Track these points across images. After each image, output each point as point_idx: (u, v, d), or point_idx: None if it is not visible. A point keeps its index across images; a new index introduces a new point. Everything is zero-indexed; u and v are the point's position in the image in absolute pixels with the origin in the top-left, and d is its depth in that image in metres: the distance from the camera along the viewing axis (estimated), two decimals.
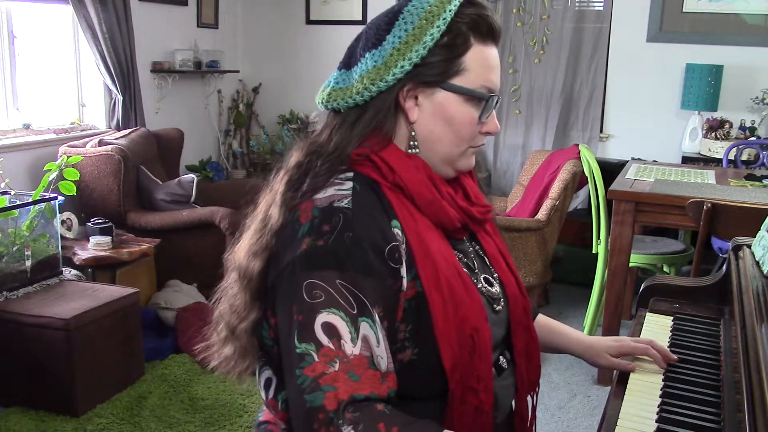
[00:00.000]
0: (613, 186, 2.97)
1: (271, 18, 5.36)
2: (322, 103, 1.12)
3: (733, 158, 3.95)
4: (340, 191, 1.03)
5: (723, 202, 2.61)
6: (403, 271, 1.01)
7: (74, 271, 3.12)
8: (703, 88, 4.25)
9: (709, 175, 3.33)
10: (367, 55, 1.08)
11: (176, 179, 3.87)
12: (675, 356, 1.31)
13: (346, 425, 0.88)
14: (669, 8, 4.43)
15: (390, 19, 1.09)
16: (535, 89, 4.81)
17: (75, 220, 3.48)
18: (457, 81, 1.08)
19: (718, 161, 4.05)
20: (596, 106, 4.69)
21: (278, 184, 1.09)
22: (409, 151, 1.10)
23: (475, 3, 1.10)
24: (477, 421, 1.05)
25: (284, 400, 1.08)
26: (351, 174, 1.06)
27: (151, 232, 3.57)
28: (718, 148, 4.15)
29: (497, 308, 1.14)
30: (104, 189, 3.62)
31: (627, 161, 3.95)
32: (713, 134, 4.22)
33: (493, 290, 1.15)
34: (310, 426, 0.90)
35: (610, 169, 3.77)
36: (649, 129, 4.58)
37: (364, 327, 0.95)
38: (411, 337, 1.02)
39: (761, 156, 3.95)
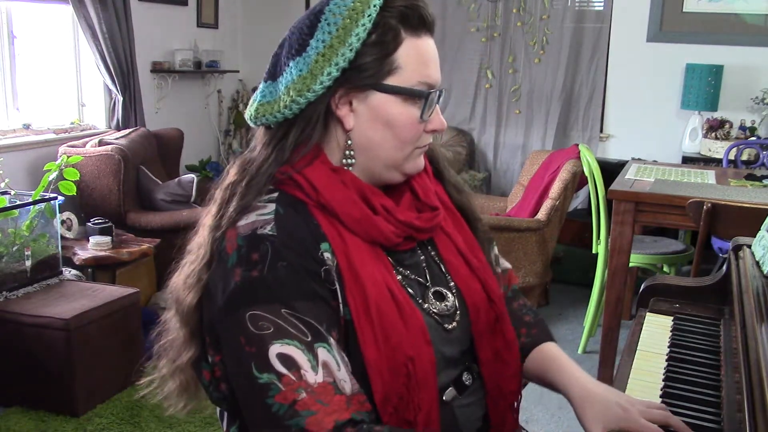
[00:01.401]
0: (613, 186, 2.97)
1: (271, 18, 5.36)
2: (251, 119, 1.05)
3: (733, 158, 3.95)
4: (261, 216, 0.96)
5: (723, 202, 2.61)
6: (339, 293, 0.96)
7: (74, 271, 3.12)
8: (703, 88, 4.25)
9: (709, 175, 3.33)
10: (291, 64, 1.00)
11: (176, 179, 3.87)
12: None
13: None
14: (669, 8, 4.43)
15: (312, 21, 1.00)
16: (535, 89, 4.81)
17: (75, 220, 3.48)
18: (391, 80, 0.99)
19: (718, 161, 4.05)
20: (596, 106, 4.69)
21: (212, 204, 1.03)
22: (344, 161, 1.02)
23: None
24: None
25: None
26: (275, 195, 0.99)
27: (151, 232, 3.57)
28: (718, 148, 4.15)
29: (449, 326, 1.05)
30: (104, 189, 3.62)
31: (627, 161, 3.95)
32: (713, 134, 4.22)
33: (445, 305, 1.06)
34: None
35: (610, 169, 3.77)
36: (649, 129, 4.58)
37: (322, 353, 0.90)
38: None
39: (761, 156, 3.94)
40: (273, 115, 1.02)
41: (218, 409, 1.07)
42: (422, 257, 1.09)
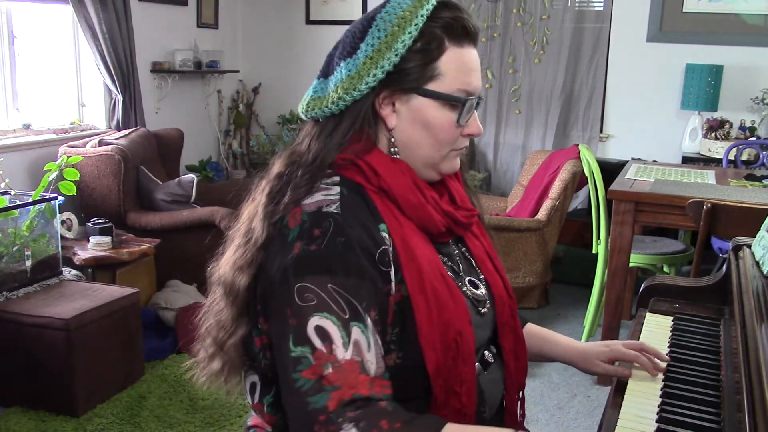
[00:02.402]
0: (613, 186, 2.97)
1: (271, 18, 5.37)
2: (303, 112, 1.13)
3: (733, 158, 3.95)
4: (327, 196, 1.03)
5: (723, 202, 2.61)
6: (392, 274, 1.01)
7: (74, 271, 3.12)
8: (703, 88, 4.25)
9: (709, 175, 3.33)
10: (342, 64, 1.08)
11: (176, 179, 3.87)
12: (667, 357, 1.30)
13: (346, 422, 0.88)
14: (669, 8, 4.43)
15: (364, 26, 1.08)
16: (535, 89, 4.81)
17: (75, 220, 3.48)
18: (432, 86, 1.07)
19: (718, 161, 4.05)
20: (596, 106, 4.69)
21: (260, 194, 1.08)
22: (392, 155, 1.10)
23: (449, 5, 1.09)
24: (459, 423, 1.04)
25: (270, 404, 1.08)
26: (337, 178, 1.06)
27: (151, 232, 3.57)
28: (718, 148, 4.15)
29: (482, 311, 1.14)
30: (104, 189, 3.62)
31: (627, 161, 3.95)
32: (713, 134, 4.22)
33: (479, 293, 1.15)
34: (311, 428, 0.90)
35: (610, 169, 3.77)
36: (649, 129, 4.58)
37: (356, 332, 0.95)
38: (397, 340, 1.02)
39: (761, 156, 3.95)
40: (321, 109, 1.09)
41: (249, 381, 1.11)
42: (456, 251, 1.17)
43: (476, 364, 1.11)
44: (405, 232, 1.05)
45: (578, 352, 1.33)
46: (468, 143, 1.16)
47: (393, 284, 1.01)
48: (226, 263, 1.07)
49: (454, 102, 1.08)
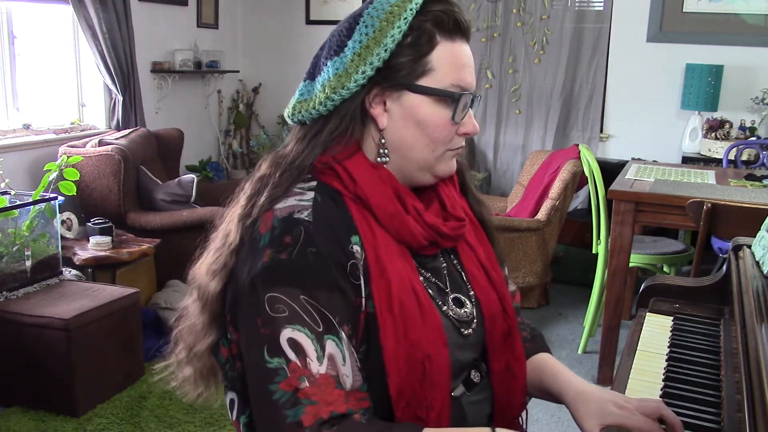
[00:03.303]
0: (613, 186, 2.97)
1: (271, 18, 5.36)
2: (289, 116, 1.09)
3: (733, 158, 3.95)
4: (300, 202, 0.99)
5: (723, 202, 2.61)
6: (362, 288, 0.97)
7: (74, 271, 3.12)
8: (703, 88, 4.25)
9: (709, 175, 3.33)
10: (328, 64, 1.04)
11: (176, 179, 3.87)
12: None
13: None
14: (669, 8, 4.43)
15: (350, 24, 1.04)
16: (535, 89, 4.81)
17: (75, 220, 3.48)
18: (424, 81, 1.02)
19: (718, 161, 4.05)
20: (596, 106, 4.68)
21: (241, 196, 1.05)
22: (378, 160, 1.05)
23: None
24: None
25: (245, 423, 1.04)
26: (314, 183, 1.02)
27: (151, 232, 3.57)
28: (718, 148, 4.15)
29: (465, 332, 1.06)
30: (104, 189, 3.62)
31: (627, 161, 3.95)
32: (713, 134, 4.22)
33: (462, 311, 1.07)
34: None
35: (610, 169, 3.77)
36: (649, 129, 4.58)
37: (330, 345, 0.92)
38: (362, 359, 0.97)
39: (761, 156, 3.95)
40: (308, 111, 1.06)
41: (228, 398, 1.07)
42: (444, 264, 1.11)
43: (459, 385, 1.06)
44: (378, 244, 0.99)
45: (581, 395, 1.09)
46: (464, 143, 1.11)
47: (363, 299, 0.97)
48: (203, 266, 1.04)
49: (448, 97, 1.03)
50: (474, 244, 1.15)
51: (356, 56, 1.01)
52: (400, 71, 1.02)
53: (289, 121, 1.10)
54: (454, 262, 1.12)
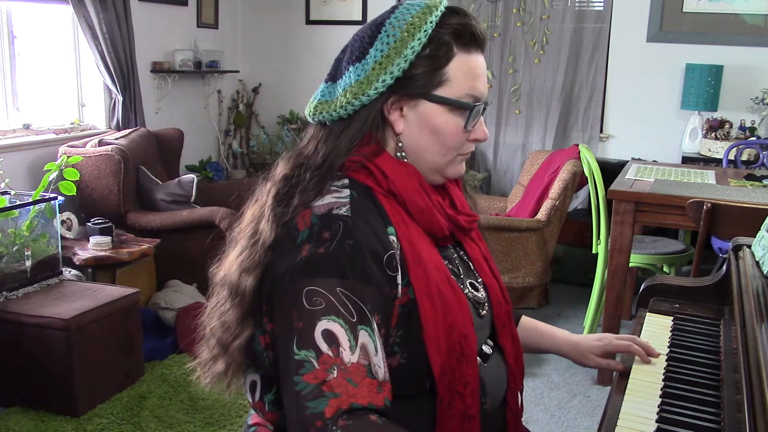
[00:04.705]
0: (613, 186, 2.97)
1: (271, 18, 5.37)
2: (310, 115, 1.14)
3: (733, 158, 3.95)
4: (338, 199, 1.03)
5: (723, 202, 2.61)
6: (399, 278, 1.02)
7: (74, 271, 3.12)
8: (703, 88, 4.25)
9: (709, 175, 3.33)
10: (350, 69, 1.09)
11: (176, 179, 3.87)
12: (657, 351, 1.32)
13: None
14: (669, 8, 4.43)
15: (373, 31, 1.09)
16: (535, 89, 4.81)
17: (75, 220, 3.48)
18: (440, 92, 1.08)
19: (718, 161, 4.05)
20: (596, 106, 4.69)
21: (265, 196, 1.09)
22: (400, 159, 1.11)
23: (458, 12, 1.10)
24: (464, 425, 1.06)
25: (271, 401, 1.08)
26: (347, 181, 1.07)
27: (151, 232, 3.57)
28: (718, 148, 4.15)
29: (482, 313, 1.16)
30: (104, 189, 3.62)
31: (627, 161, 3.95)
32: (713, 134, 4.22)
33: (479, 295, 1.16)
34: None
35: (610, 169, 3.77)
36: (649, 129, 4.58)
37: (363, 335, 0.95)
38: (401, 342, 1.02)
39: (761, 156, 3.95)
40: (329, 113, 1.10)
41: (249, 380, 1.11)
42: (454, 255, 1.18)
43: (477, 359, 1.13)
44: (412, 235, 1.06)
45: (571, 345, 1.36)
46: (473, 148, 1.17)
47: (399, 288, 1.02)
48: (231, 264, 1.07)
49: (462, 108, 1.09)
50: (476, 238, 1.24)
51: (377, 64, 1.06)
52: (418, 81, 1.07)
53: (310, 120, 1.14)
54: (461, 252, 1.20)
